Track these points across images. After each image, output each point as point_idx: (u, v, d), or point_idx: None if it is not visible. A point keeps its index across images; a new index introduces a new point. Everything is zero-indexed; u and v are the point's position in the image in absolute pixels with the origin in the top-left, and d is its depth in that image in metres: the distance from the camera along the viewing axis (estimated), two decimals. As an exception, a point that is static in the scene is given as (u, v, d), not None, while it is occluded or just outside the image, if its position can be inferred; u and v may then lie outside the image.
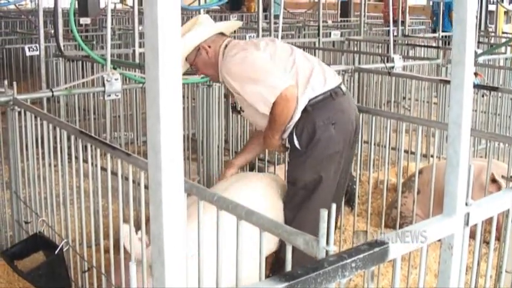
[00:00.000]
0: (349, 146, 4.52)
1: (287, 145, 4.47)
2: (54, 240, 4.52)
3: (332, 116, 4.33)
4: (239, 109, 4.67)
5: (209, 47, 4.47)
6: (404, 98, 9.12)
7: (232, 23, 5.30)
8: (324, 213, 2.03)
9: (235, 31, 14.92)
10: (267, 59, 4.36)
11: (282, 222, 3.59)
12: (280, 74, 4.27)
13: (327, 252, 2.09)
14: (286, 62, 4.38)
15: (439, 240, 2.23)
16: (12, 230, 5.42)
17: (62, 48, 8.66)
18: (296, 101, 4.25)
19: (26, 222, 5.16)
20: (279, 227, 2.39)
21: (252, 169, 6.09)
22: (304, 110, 4.28)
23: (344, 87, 4.52)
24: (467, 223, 2.23)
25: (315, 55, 11.79)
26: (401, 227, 5.12)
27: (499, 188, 4.81)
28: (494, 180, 4.96)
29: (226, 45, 4.49)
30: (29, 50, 9.45)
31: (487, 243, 4.18)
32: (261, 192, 4.40)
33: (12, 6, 16.12)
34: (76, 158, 4.16)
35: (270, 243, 4.02)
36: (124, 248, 3.47)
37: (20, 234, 5.26)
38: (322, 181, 4.37)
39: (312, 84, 4.32)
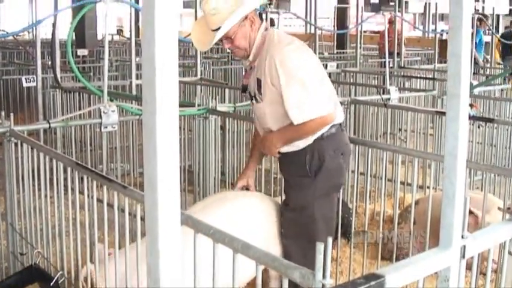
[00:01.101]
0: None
1: (281, 161, 4.44)
2: (50, 272, 4.50)
3: (340, 147, 4.33)
4: (253, 95, 4.35)
5: (254, 18, 4.17)
6: (400, 129, 9.13)
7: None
8: (320, 246, 2.03)
9: (231, 63, 15.00)
10: (322, 74, 4.28)
11: (262, 244, 3.57)
12: (328, 95, 4.19)
13: (323, 285, 2.09)
14: (331, 87, 4.33)
15: (436, 273, 2.22)
16: (7, 261, 5.40)
17: (59, 79, 8.69)
18: None
19: (22, 254, 5.14)
20: (276, 261, 2.38)
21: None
22: (321, 137, 4.23)
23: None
24: (463, 256, 2.23)
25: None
26: (397, 258, 5.11)
27: (476, 219, 4.79)
28: (470, 212, 4.95)
29: (266, 28, 4.24)
30: (26, 81, 9.47)
31: (484, 274, 4.17)
32: (239, 214, 4.30)
33: (9, 37, 16.15)
34: (72, 189, 4.16)
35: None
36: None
37: (15, 265, 5.24)
38: (328, 210, 4.37)
39: (339, 113, 4.31)
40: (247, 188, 4.71)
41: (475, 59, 15.06)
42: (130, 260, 3.56)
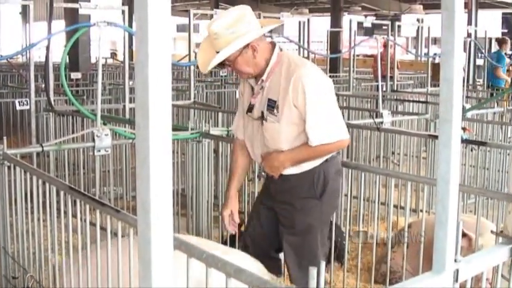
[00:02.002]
0: None
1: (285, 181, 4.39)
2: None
3: (340, 169, 4.48)
4: (261, 116, 4.30)
5: (258, 45, 4.17)
6: (393, 153, 9.14)
7: (276, 21, 5.06)
8: (313, 271, 2.02)
9: (225, 86, 15.02)
10: (337, 103, 4.34)
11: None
12: (344, 125, 4.28)
13: (316, 309, 2.08)
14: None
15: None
16: (-1, 285, 5.38)
17: (53, 102, 8.69)
18: None
19: (14, 278, 5.12)
20: (268, 285, 2.38)
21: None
22: (325, 160, 4.31)
23: None
24: (456, 279, 2.23)
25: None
26: (391, 282, 5.10)
27: (470, 241, 4.79)
28: (464, 234, 4.95)
29: (281, 49, 4.28)
30: (20, 104, 9.46)
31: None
32: None
33: (3, 60, 16.18)
34: (65, 213, 4.15)
35: None
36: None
37: (7, 289, 5.22)
38: (326, 227, 4.49)
39: None
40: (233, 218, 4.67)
41: (499, 77, 15.18)
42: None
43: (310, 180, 4.29)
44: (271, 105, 4.21)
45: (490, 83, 15.68)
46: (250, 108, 4.40)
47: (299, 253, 4.39)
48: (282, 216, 4.47)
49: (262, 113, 4.28)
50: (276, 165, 4.29)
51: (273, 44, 4.30)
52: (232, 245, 5.46)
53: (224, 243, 5.77)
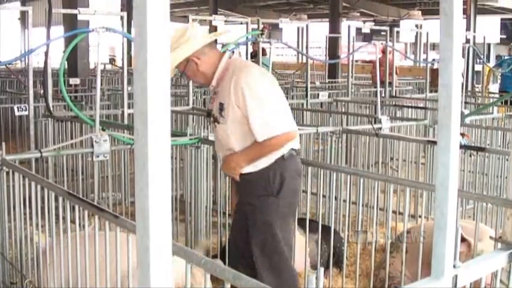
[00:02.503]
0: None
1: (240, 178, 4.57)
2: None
3: (298, 169, 4.60)
4: (215, 118, 4.57)
5: (198, 58, 4.47)
6: (392, 158, 9.15)
7: (221, 31, 5.33)
8: (312, 277, 2.02)
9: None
10: (283, 97, 4.55)
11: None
12: (289, 117, 4.47)
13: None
14: (290, 112, 4.59)
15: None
16: (-2, 291, 5.37)
17: (51, 108, 8.69)
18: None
19: (12, 283, 5.12)
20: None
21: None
22: (282, 157, 4.45)
23: None
24: (455, 285, 2.23)
25: (302, 116, 11.91)
26: (389, 287, 5.10)
27: (469, 246, 4.79)
28: (463, 239, 4.95)
29: (230, 56, 4.56)
30: (18, 110, 9.45)
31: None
32: None
33: (2, 66, 16.18)
34: (64, 218, 4.14)
35: None
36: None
37: (5, 295, 5.21)
38: (287, 233, 4.58)
39: (297, 138, 4.56)
40: None
41: None
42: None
43: (266, 178, 4.45)
44: (221, 108, 4.47)
45: (505, 89, 15.64)
46: (208, 114, 4.84)
47: (265, 252, 4.51)
48: (247, 217, 4.61)
49: (216, 117, 4.56)
50: (233, 166, 4.50)
51: (222, 53, 4.59)
52: None
53: (222, 249, 5.79)
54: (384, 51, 14.22)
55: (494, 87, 18.58)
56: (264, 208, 4.48)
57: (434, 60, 15.09)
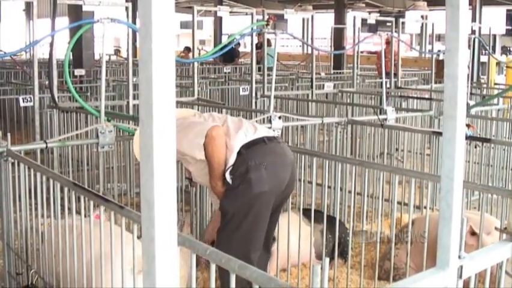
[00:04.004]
0: (280, 189, 4.76)
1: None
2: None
3: (264, 158, 4.66)
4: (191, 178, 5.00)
5: None
6: (397, 149, 9.13)
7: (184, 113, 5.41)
8: (317, 267, 2.02)
9: (228, 83, 15.02)
10: (201, 119, 4.83)
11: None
12: (207, 123, 4.68)
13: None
14: (217, 117, 4.87)
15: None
16: (3, 281, 5.38)
17: (56, 99, 8.69)
18: (227, 143, 4.64)
19: (18, 274, 5.13)
20: (272, 281, 2.38)
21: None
22: (239, 153, 4.62)
23: (279, 139, 4.98)
24: (460, 276, 2.23)
25: (308, 107, 11.89)
26: (394, 278, 5.10)
27: (478, 240, 4.79)
28: (473, 233, 4.95)
29: None
30: (24, 101, 9.46)
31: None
32: None
33: (7, 57, 16.17)
34: (69, 209, 4.15)
35: None
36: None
37: (11, 285, 5.22)
38: (247, 218, 4.63)
39: (244, 131, 4.71)
40: None
41: None
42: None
43: (227, 173, 4.63)
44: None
45: None
46: (190, 181, 5.22)
47: (223, 230, 4.73)
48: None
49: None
50: (217, 192, 4.77)
51: None
52: None
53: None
54: (389, 42, 14.18)
55: (500, 79, 18.53)
56: (225, 197, 4.70)
57: (439, 51, 15.05)
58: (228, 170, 4.62)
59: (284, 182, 4.76)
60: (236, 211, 4.62)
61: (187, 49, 22.85)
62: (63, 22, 13.06)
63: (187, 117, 4.88)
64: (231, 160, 4.60)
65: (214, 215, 5.41)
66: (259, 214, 4.70)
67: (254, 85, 10.55)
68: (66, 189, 4.22)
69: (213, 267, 2.69)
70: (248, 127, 4.80)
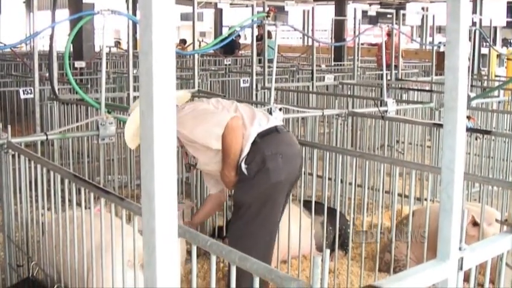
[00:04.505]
0: (293, 178, 4.81)
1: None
2: (47, 284, 4.49)
3: (279, 148, 4.66)
4: (193, 164, 4.93)
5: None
6: (398, 141, 9.13)
7: (182, 96, 5.39)
8: (317, 259, 2.02)
9: (229, 75, 15.00)
10: (211, 106, 4.75)
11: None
12: (224, 112, 4.63)
13: (321, 297, 2.09)
14: (230, 106, 4.78)
15: (433, 285, 2.22)
16: (4, 273, 5.38)
17: (57, 91, 8.68)
18: (243, 133, 4.60)
19: (19, 266, 5.13)
20: (272, 272, 2.38)
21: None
22: (254, 143, 4.60)
23: (286, 128, 5.01)
24: (461, 268, 2.23)
25: (308, 99, 11.88)
26: (394, 270, 5.11)
27: (479, 230, 4.80)
28: (475, 224, 4.96)
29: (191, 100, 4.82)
30: (24, 93, 9.45)
31: (482, 285, 4.17)
32: None
33: (7, 49, 16.15)
34: (70, 201, 4.15)
35: None
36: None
37: (12, 277, 5.22)
38: (265, 206, 4.63)
39: (258, 120, 4.69)
40: None
41: None
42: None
43: (242, 163, 4.61)
44: (188, 154, 4.91)
45: None
46: (189, 168, 5.14)
47: (237, 223, 4.73)
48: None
49: (192, 162, 4.96)
50: (228, 181, 4.76)
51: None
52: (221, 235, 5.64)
53: (212, 233, 5.87)
54: (390, 34, 14.16)
55: (501, 71, 18.51)
56: (239, 188, 4.70)
57: (440, 43, 15.02)
58: (243, 160, 4.60)
59: (296, 171, 4.80)
60: (253, 201, 4.62)
61: (183, 41, 22.87)
62: (63, 14, 13.05)
63: (196, 104, 4.86)
64: (246, 150, 4.59)
65: (207, 200, 5.44)
66: (276, 203, 4.73)
67: (254, 77, 10.54)
68: (66, 181, 4.22)
69: (213, 259, 2.69)
70: (260, 116, 4.79)
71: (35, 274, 4.59)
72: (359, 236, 5.36)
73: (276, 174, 4.61)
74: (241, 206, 4.68)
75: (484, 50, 16.98)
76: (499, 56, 17.82)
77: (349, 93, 12.40)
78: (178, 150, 6.11)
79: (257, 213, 4.62)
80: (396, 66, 13.63)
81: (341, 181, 5.94)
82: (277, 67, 11.33)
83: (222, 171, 4.72)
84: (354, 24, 13.38)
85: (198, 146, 4.68)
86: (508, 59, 16.98)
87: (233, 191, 4.88)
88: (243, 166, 4.59)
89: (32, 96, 9.29)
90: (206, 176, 5.24)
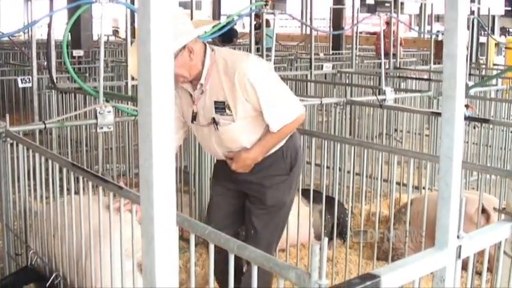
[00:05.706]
0: None
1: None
2: (46, 273, 4.50)
3: (300, 143, 4.56)
4: (212, 121, 4.14)
5: (193, 48, 4.01)
6: (396, 130, 9.14)
7: (207, 24, 5.00)
8: (316, 247, 2.03)
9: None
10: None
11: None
12: (298, 101, 4.24)
13: (319, 286, 2.09)
14: None
15: (431, 273, 2.23)
16: (3, 262, 5.39)
17: (55, 80, 8.68)
18: None
19: (17, 255, 5.14)
20: (271, 261, 2.38)
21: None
22: (289, 136, 4.29)
23: None
24: (459, 256, 2.23)
25: (307, 88, 11.89)
26: (392, 259, 5.12)
27: (488, 217, 4.82)
28: (484, 211, 4.97)
29: (212, 49, 4.14)
30: (22, 82, 9.45)
31: (480, 274, 4.18)
32: None
33: (5, 38, 16.13)
34: (68, 190, 4.15)
35: None
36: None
37: (10, 266, 5.23)
38: (292, 201, 4.49)
39: None
40: None
41: None
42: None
43: (279, 159, 4.28)
44: (221, 106, 4.08)
45: None
46: (194, 117, 4.23)
47: (269, 226, 4.37)
48: (250, 195, 4.39)
49: (213, 118, 4.14)
50: (249, 164, 4.21)
51: (205, 46, 4.15)
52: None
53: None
54: (388, 23, 14.15)
55: (499, 59, 18.51)
56: (276, 187, 4.30)
57: (438, 31, 15.04)
58: (278, 153, 4.28)
59: None
60: (291, 198, 4.43)
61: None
62: (61, 3, 13.02)
63: (272, 69, 4.34)
64: (284, 140, 4.27)
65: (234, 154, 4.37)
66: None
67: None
68: (65, 170, 4.22)
69: (212, 247, 2.70)
70: None
71: (33, 263, 4.60)
72: (358, 236, 5.37)
73: (301, 168, 4.54)
74: (281, 206, 4.36)
75: (482, 39, 16.97)
76: (497, 44, 17.80)
77: (347, 81, 12.39)
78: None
79: (288, 209, 4.45)
80: (394, 55, 13.63)
81: (339, 169, 5.94)
82: (275, 56, 11.33)
83: (249, 153, 4.16)
84: (353, 12, 13.40)
85: (248, 110, 4.08)
86: (507, 48, 16.95)
87: (266, 193, 4.30)
88: (283, 162, 4.28)
89: (30, 85, 9.28)
90: (212, 144, 4.31)
